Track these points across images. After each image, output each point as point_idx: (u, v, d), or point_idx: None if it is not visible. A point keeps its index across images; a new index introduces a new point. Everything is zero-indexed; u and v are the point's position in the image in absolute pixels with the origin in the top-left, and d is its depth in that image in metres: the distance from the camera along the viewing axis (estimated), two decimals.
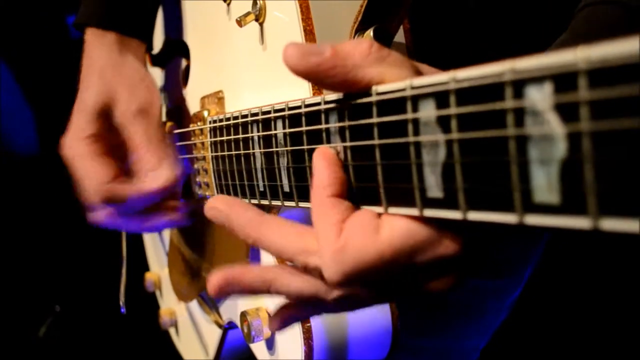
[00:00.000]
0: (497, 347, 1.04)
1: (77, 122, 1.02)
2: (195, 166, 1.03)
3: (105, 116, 1.01)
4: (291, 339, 0.85)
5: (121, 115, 1.00)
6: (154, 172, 0.97)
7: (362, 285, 0.57)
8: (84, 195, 1.01)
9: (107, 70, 1.02)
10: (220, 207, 0.68)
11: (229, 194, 0.88)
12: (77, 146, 1.00)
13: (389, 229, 0.52)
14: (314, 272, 0.59)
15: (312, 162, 0.59)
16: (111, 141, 1.03)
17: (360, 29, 0.69)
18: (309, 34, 0.72)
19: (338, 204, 0.57)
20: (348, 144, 0.56)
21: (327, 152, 0.58)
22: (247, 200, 0.82)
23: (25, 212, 2.19)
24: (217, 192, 0.93)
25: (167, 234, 1.36)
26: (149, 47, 1.15)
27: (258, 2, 0.79)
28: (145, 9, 1.11)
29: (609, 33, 0.34)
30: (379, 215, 0.54)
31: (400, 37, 0.76)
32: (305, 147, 0.63)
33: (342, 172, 0.58)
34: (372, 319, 0.84)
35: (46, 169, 2.13)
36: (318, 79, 0.55)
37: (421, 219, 0.51)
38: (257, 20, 0.80)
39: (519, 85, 0.38)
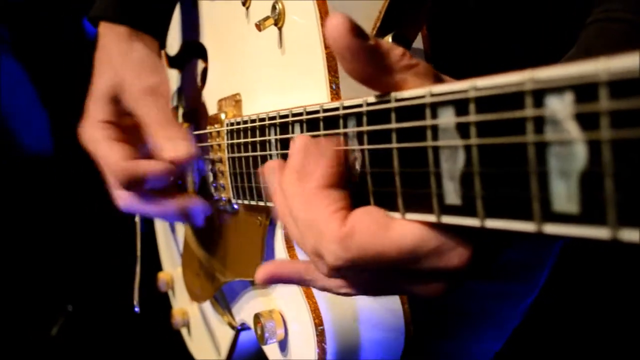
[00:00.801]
0: (511, 352, 1.03)
1: (91, 110, 1.04)
2: (212, 168, 1.04)
3: (116, 101, 1.03)
4: (304, 341, 0.85)
5: (129, 97, 1.01)
6: (171, 142, 0.97)
7: (356, 275, 0.59)
8: (106, 180, 1.03)
9: (115, 58, 1.04)
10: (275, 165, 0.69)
11: (244, 195, 0.88)
12: (93, 132, 1.02)
13: (400, 229, 0.53)
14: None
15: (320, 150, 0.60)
16: (127, 125, 1.04)
17: (379, 35, 0.70)
18: None
19: (333, 192, 0.58)
20: (366, 147, 0.56)
21: (334, 146, 0.59)
22: (262, 203, 0.83)
23: (38, 212, 2.20)
24: (233, 194, 0.94)
25: (181, 234, 1.37)
26: (162, 45, 1.16)
27: (277, 6, 0.80)
28: (160, 7, 1.12)
29: (618, 49, 0.34)
30: (388, 214, 0.55)
31: (418, 42, 0.76)
32: None
33: (342, 168, 0.59)
34: (385, 321, 0.84)
35: (60, 169, 2.14)
36: (349, 60, 0.53)
37: (433, 226, 0.51)
38: (276, 24, 0.81)
39: (539, 95, 0.38)
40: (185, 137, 0.99)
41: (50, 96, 2.18)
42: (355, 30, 0.51)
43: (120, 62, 1.03)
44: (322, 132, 0.64)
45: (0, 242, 2.16)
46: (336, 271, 0.59)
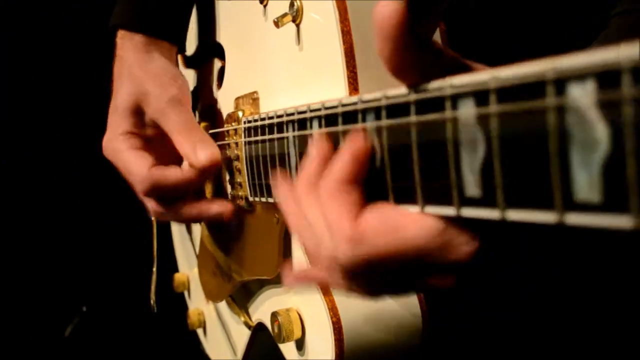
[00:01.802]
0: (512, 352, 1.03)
1: (112, 122, 1.05)
2: (229, 166, 1.04)
3: (138, 113, 1.03)
4: (322, 339, 0.85)
5: (154, 109, 1.02)
6: (198, 150, 0.98)
7: (369, 274, 0.59)
8: (134, 188, 1.03)
9: (135, 69, 1.04)
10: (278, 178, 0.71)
11: (262, 193, 0.88)
12: (116, 144, 1.03)
13: (410, 226, 0.53)
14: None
15: (343, 147, 0.60)
16: (148, 136, 1.05)
17: None
18: (346, 35, 0.72)
19: (348, 192, 0.58)
20: (385, 142, 0.56)
21: (355, 145, 0.59)
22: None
23: (54, 212, 2.21)
24: (251, 192, 0.94)
25: (197, 234, 1.37)
26: (182, 49, 1.17)
27: (295, 3, 0.80)
28: (176, 12, 1.13)
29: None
30: (400, 210, 0.55)
31: (436, 38, 0.76)
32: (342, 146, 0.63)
33: (361, 169, 0.59)
34: (403, 318, 0.84)
35: (75, 169, 2.15)
36: (393, 45, 0.50)
37: (445, 220, 0.52)
38: (294, 21, 0.81)
39: (561, 83, 0.38)
40: (212, 143, 1.00)
41: (53, 97, 2.19)
42: (409, 18, 0.49)
43: (141, 73, 1.04)
44: (340, 127, 0.63)
45: (15, 242, 2.17)
46: (349, 271, 0.59)
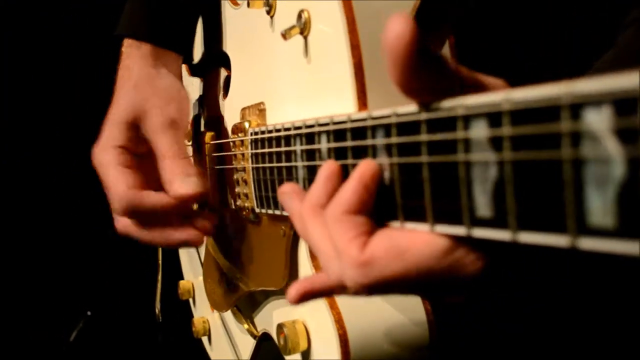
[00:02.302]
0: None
1: (107, 133, 1.04)
2: (235, 177, 1.04)
3: (135, 128, 1.03)
4: (327, 352, 0.85)
5: (150, 127, 1.02)
6: (180, 180, 0.98)
7: (380, 292, 0.59)
8: (111, 202, 1.03)
9: (140, 83, 1.04)
10: (286, 190, 0.71)
11: (269, 205, 0.88)
12: (104, 156, 1.02)
13: (420, 248, 0.53)
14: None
15: (349, 177, 0.60)
16: (141, 152, 1.05)
17: None
18: (355, 48, 0.72)
19: (355, 218, 0.58)
20: (395, 160, 0.56)
21: (365, 171, 0.59)
22: (287, 213, 0.83)
23: (59, 216, 2.22)
24: (257, 203, 0.94)
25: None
26: (188, 58, 1.17)
27: (303, 15, 0.80)
28: (183, 21, 1.13)
29: None
30: (407, 232, 0.55)
31: (445, 50, 0.76)
32: (349, 161, 0.63)
33: (369, 196, 0.59)
34: (409, 331, 0.84)
35: (79, 174, 2.15)
36: (406, 69, 0.49)
37: (453, 239, 0.52)
38: (301, 33, 0.81)
39: (576, 108, 0.37)
40: (196, 174, 0.99)
41: (56, 99, 2.19)
42: (420, 39, 0.48)
43: (146, 88, 1.04)
44: (349, 142, 0.63)
45: (21, 246, 2.18)
46: (358, 294, 0.59)
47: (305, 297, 0.68)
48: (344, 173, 0.64)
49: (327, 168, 0.64)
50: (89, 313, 2.23)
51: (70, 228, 2.22)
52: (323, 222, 0.62)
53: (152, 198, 0.99)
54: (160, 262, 1.37)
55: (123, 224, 1.05)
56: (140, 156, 1.05)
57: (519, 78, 0.50)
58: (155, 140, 1.01)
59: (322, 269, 0.65)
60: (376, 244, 0.56)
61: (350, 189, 0.58)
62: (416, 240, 0.54)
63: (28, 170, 2.18)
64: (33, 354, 2.18)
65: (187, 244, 1.08)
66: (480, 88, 0.54)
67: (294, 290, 0.68)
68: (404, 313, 0.84)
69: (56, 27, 2.14)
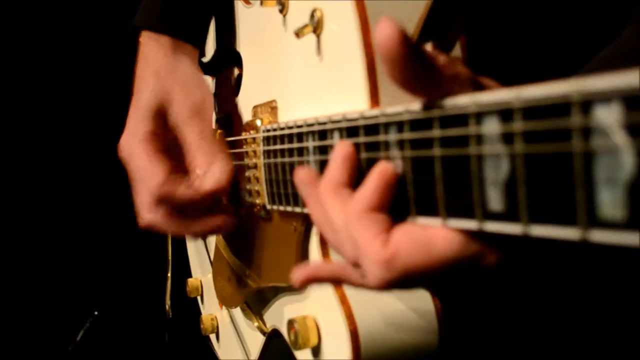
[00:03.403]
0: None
1: (133, 122, 1.05)
2: (246, 174, 1.05)
3: (160, 116, 1.04)
4: (338, 347, 0.86)
5: (176, 115, 1.03)
6: (207, 173, 0.99)
7: (401, 287, 0.61)
8: (139, 194, 1.03)
9: (162, 72, 1.05)
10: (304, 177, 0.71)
11: (280, 201, 0.89)
12: (133, 145, 1.03)
13: (441, 243, 0.54)
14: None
15: (369, 175, 0.60)
16: (167, 140, 1.05)
17: (418, 43, 0.70)
18: (368, 47, 0.73)
19: (376, 216, 0.59)
20: (408, 154, 0.57)
21: (386, 171, 0.59)
22: (299, 209, 0.84)
23: (67, 215, 2.22)
24: (268, 200, 0.95)
25: (212, 240, 1.38)
26: (202, 53, 1.18)
27: (315, 14, 0.80)
28: (199, 16, 1.14)
29: None
30: (427, 228, 0.56)
31: (456, 51, 0.77)
32: (363, 155, 0.64)
33: (390, 195, 0.60)
34: (418, 325, 0.85)
35: (89, 173, 2.16)
36: (398, 68, 0.52)
37: (470, 233, 0.53)
38: (314, 32, 0.82)
39: (587, 105, 0.38)
40: (224, 157, 1.00)
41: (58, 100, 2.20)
42: (406, 38, 0.50)
43: (168, 77, 1.04)
44: (362, 138, 0.64)
45: (28, 245, 2.19)
46: (379, 288, 0.60)
47: (309, 282, 0.70)
48: (357, 181, 0.65)
49: (343, 148, 0.65)
50: (95, 312, 2.24)
51: (77, 227, 2.23)
52: (343, 201, 0.63)
53: (185, 192, 1.00)
54: (170, 257, 1.38)
55: (152, 216, 1.04)
56: (167, 145, 1.06)
57: (519, 78, 0.51)
58: (183, 128, 1.02)
59: (336, 245, 0.66)
60: (398, 239, 0.57)
61: (372, 187, 0.59)
62: (437, 236, 0.55)
63: (37, 169, 2.19)
64: (40, 353, 2.19)
65: (219, 230, 1.10)
66: (478, 87, 0.56)
67: (298, 274, 0.70)
68: (414, 309, 0.85)
69: (57, 25, 2.15)
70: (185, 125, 1.02)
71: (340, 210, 0.63)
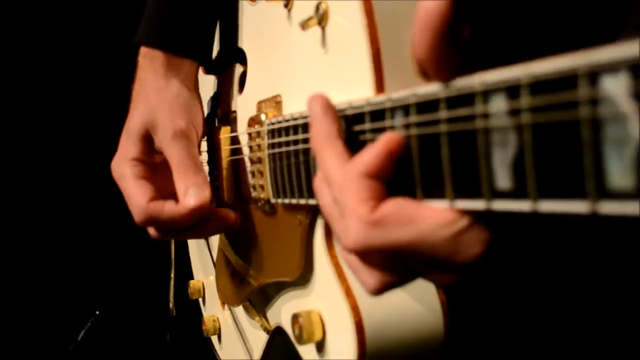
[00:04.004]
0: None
1: (123, 146, 1.09)
2: (250, 169, 1.05)
3: (148, 140, 1.08)
4: (343, 340, 0.86)
5: (162, 139, 1.06)
6: (188, 192, 1.02)
7: (375, 255, 0.61)
8: (132, 214, 1.08)
9: (151, 95, 1.08)
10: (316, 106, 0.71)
11: (285, 193, 0.89)
12: (123, 168, 1.07)
13: (429, 220, 0.55)
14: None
15: (375, 142, 0.60)
16: (156, 163, 1.10)
17: None
18: (374, 38, 0.73)
19: (370, 184, 0.59)
20: (414, 132, 0.57)
21: (392, 140, 0.59)
22: (304, 201, 0.84)
23: (68, 215, 2.23)
24: (273, 194, 0.95)
25: (214, 240, 1.38)
26: (206, 60, 1.19)
27: (321, 7, 0.81)
28: (201, 27, 1.16)
29: None
30: (415, 203, 0.57)
31: None
32: (369, 137, 0.65)
33: (390, 164, 0.60)
34: (424, 318, 0.85)
35: (89, 174, 2.16)
36: (435, 41, 0.52)
37: (462, 217, 0.53)
38: (319, 24, 0.82)
39: (593, 76, 0.38)
40: (205, 186, 1.04)
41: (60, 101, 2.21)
42: (451, 11, 0.51)
43: (156, 100, 1.08)
44: (367, 125, 0.65)
45: (29, 245, 2.19)
46: (360, 247, 0.60)
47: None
48: None
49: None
50: (97, 312, 2.24)
51: (79, 227, 2.23)
52: (337, 154, 0.64)
53: (170, 209, 1.03)
54: (173, 260, 1.38)
55: (152, 232, 1.10)
56: (156, 166, 1.10)
57: None
58: (167, 151, 1.06)
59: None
60: (387, 208, 0.57)
61: (374, 153, 0.59)
62: (426, 213, 0.55)
63: (39, 169, 2.19)
64: (41, 352, 2.19)
65: (222, 229, 1.15)
66: None
67: None
68: (419, 302, 0.85)
69: (57, 25, 2.15)
70: (168, 148, 1.05)
71: (335, 162, 0.64)
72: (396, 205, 0.57)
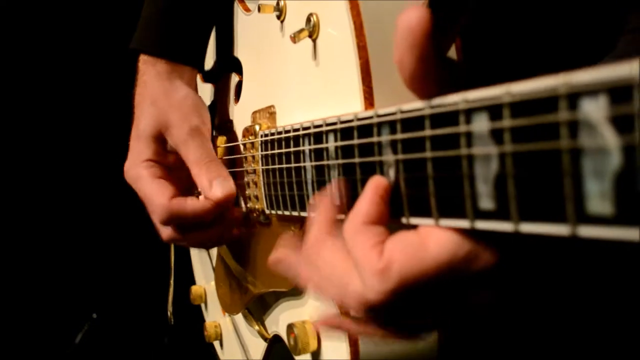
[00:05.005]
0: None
1: (135, 149, 1.08)
2: (245, 179, 1.05)
3: (160, 141, 1.07)
4: (337, 350, 0.85)
5: (175, 138, 1.06)
6: (214, 183, 1.01)
7: (406, 302, 0.58)
8: (151, 215, 1.07)
9: (159, 98, 1.08)
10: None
11: (278, 206, 0.89)
12: (137, 170, 1.06)
13: (433, 244, 0.53)
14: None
15: (364, 189, 0.60)
16: (169, 163, 1.09)
17: None
18: (362, 49, 0.73)
19: (373, 228, 0.59)
20: (400, 157, 0.57)
21: (379, 184, 0.59)
22: (296, 213, 0.84)
23: (67, 218, 2.23)
24: (267, 204, 0.95)
25: (214, 248, 1.38)
26: (202, 69, 1.19)
27: (312, 19, 0.81)
28: (198, 36, 1.16)
29: None
30: (419, 232, 0.56)
31: (451, 53, 0.77)
32: (356, 160, 0.64)
33: (385, 207, 0.59)
34: None
35: (91, 178, 2.17)
36: (417, 56, 0.51)
37: (463, 233, 0.52)
38: (310, 36, 0.82)
39: (574, 98, 0.38)
40: (228, 176, 1.03)
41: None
42: (431, 27, 0.50)
43: (164, 102, 1.07)
44: (355, 141, 0.64)
45: (27, 247, 2.19)
46: (382, 309, 0.58)
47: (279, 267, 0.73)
48: (354, 171, 0.65)
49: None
50: (94, 315, 2.24)
51: (77, 230, 2.24)
52: (333, 244, 0.64)
53: (193, 205, 1.03)
54: (172, 264, 1.38)
55: (168, 233, 1.09)
56: (170, 167, 1.10)
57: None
58: (184, 149, 1.05)
59: (341, 305, 0.66)
60: (391, 248, 0.56)
61: (367, 200, 0.59)
62: (429, 239, 0.54)
63: (39, 171, 2.19)
64: (38, 355, 2.20)
65: (234, 236, 1.13)
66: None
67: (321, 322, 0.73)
68: None
69: (56, 25, 2.16)
70: (185, 146, 1.05)
71: (334, 250, 0.64)
72: (399, 241, 0.56)
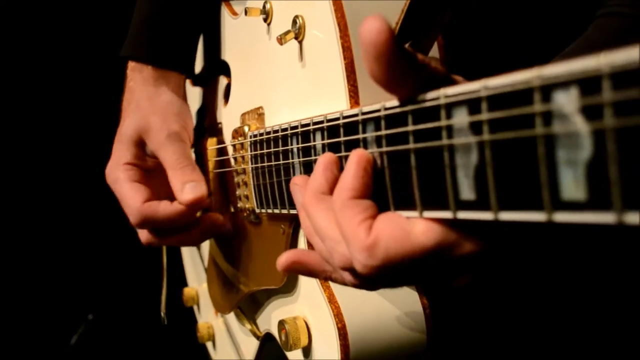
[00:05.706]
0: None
1: (116, 152, 1.11)
2: (235, 180, 1.07)
3: (140, 145, 1.10)
4: (328, 346, 0.87)
5: (154, 142, 1.08)
6: (185, 186, 1.04)
7: (387, 277, 0.61)
8: (128, 217, 1.09)
9: (143, 103, 1.11)
10: (298, 182, 0.73)
11: (268, 205, 0.91)
12: (116, 173, 1.09)
13: (421, 230, 0.55)
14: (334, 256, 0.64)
15: (347, 164, 0.62)
16: (149, 167, 1.12)
17: None
18: (347, 50, 0.74)
19: (361, 203, 0.60)
20: (384, 149, 0.59)
21: (361, 156, 0.61)
22: (286, 211, 0.85)
23: (61, 219, 2.23)
24: (257, 203, 0.96)
25: (205, 247, 1.39)
26: (190, 72, 1.21)
27: (297, 21, 0.83)
28: (185, 42, 1.18)
29: (614, 43, 0.36)
30: (411, 219, 0.57)
31: (434, 51, 0.79)
32: (343, 154, 0.66)
33: (369, 179, 0.61)
34: (407, 323, 0.86)
35: (84, 179, 2.17)
36: (380, 64, 0.53)
37: (449, 222, 0.54)
38: (296, 38, 0.84)
39: (547, 90, 0.40)
40: (201, 182, 1.06)
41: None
42: (393, 36, 0.51)
43: (147, 106, 1.10)
44: (342, 138, 0.66)
45: (22, 248, 2.19)
46: (366, 277, 0.61)
47: (293, 267, 0.73)
48: (340, 167, 0.67)
49: (325, 157, 0.67)
50: (90, 317, 2.24)
51: (72, 231, 2.24)
52: (327, 207, 0.64)
53: (165, 208, 1.05)
54: (164, 265, 1.39)
55: (145, 236, 1.13)
56: (149, 170, 1.12)
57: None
58: (161, 153, 1.08)
59: (325, 254, 0.67)
60: (381, 227, 0.58)
61: (351, 174, 0.61)
62: (418, 226, 0.56)
63: (34, 172, 2.19)
64: (33, 356, 2.19)
65: (212, 233, 1.16)
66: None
67: (283, 258, 0.73)
68: (401, 307, 0.86)
69: (55, 25, 2.16)
70: (163, 149, 1.08)
71: (324, 217, 0.64)
72: (389, 221, 0.58)
